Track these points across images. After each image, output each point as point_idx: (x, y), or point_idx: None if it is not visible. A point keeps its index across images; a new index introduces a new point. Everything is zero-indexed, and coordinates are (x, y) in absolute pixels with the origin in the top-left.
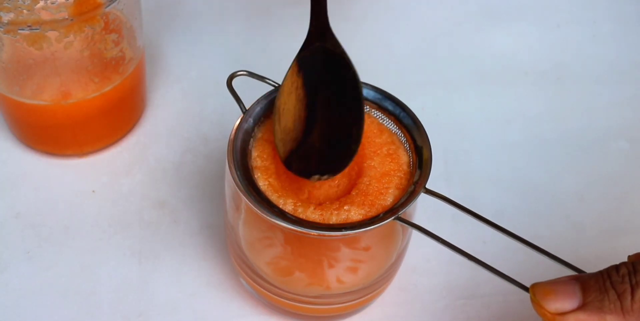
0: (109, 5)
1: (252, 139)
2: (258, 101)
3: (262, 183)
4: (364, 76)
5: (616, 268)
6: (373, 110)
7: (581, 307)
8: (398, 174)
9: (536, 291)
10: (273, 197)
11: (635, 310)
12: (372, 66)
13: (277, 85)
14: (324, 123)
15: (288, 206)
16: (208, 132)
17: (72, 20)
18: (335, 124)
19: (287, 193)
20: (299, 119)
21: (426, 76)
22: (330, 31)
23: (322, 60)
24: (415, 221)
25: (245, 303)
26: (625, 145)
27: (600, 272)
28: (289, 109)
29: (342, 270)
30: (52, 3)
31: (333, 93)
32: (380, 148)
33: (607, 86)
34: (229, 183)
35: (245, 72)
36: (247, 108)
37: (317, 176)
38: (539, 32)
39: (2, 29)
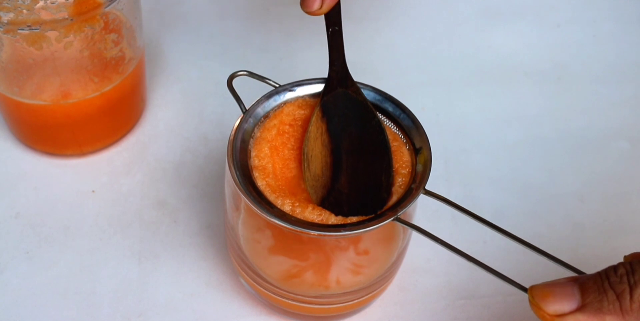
0: (109, 5)
1: (251, 139)
2: (258, 101)
3: (261, 182)
4: (364, 76)
5: (614, 268)
6: None
7: (580, 308)
8: (398, 175)
9: (535, 293)
10: (271, 197)
11: (634, 309)
12: (372, 66)
13: (277, 85)
14: (349, 169)
15: (286, 206)
16: (208, 132)
17: (71, 20)
18: (362, 171)
19: (285, 193)
20: (326, 165)
21: (426, 76)
22: (350, 77)
23: (345, 106)
24: (415, 221)
25: (245, 303)
26: (625, 145)
27: (599, 273)
28: (316, 156)
29: (342, 270)
30: (52, 3)
31: (357, 139)
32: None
33: (607, 86)
34: (229, 182)
35: (245, 72)
36: (247, 108)
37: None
38: (539, 32)
39: (1, 29)
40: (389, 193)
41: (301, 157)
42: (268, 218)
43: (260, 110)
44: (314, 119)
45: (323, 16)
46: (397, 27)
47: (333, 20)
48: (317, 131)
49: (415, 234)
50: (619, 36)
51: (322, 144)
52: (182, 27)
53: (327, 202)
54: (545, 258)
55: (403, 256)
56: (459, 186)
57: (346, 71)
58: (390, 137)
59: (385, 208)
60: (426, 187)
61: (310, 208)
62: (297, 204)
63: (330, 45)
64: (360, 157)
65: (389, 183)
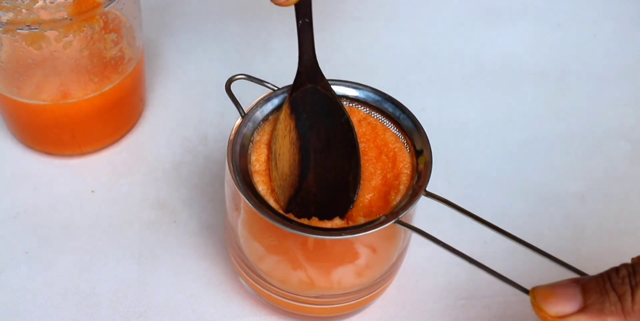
0: (108, 4)
1: (251, 144)
2: (257, 105)
3: (261, 187)
4: (364, 76)
5: (616, 269)
6: (373, 112)
7: (582, 309)
8: (399, 176)
9: (536, 294)
10: (271, 201)
11: (636, 311)
12: (372, 66)
13: (276, 88)
14: (317, 168)
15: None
16: (208, 132)
17: (71, 19)
18: (330, 170)
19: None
20: (294, 164)
21: (426, 76)
22: (320, 72)
23: (313, 102)
24: (416, 222)
25: (245, 303)
26: (626, 145)
27: (601, 274)
28: (284, 153)
29: (342, 271)
30: (51, 2)
31: (326, 137)
32: (381, 150)
33: (607, 86)
34: (229, 183)
35: (244, 76)
36: (245, 112)
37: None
38: (539, 32)
39: (1, 29)
40: (355, 193)
41: (269, 155)
42: (270, 221)
43: (259, 114)
44: (282, 115)
45: (293, 8)
46: (397, 27)
47: (303, 12)
48: (285, 128)
49: (415, 234)
50: (619, 36)
51: (290, 142)
52: (182, 27)
53: (294, 202)
54: (547, 258)
55: (403, 256)
56: (460, 187)
57: (316, 66)
58: (390, 138)
59: (388, 209)
60: (427, 186)
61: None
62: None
63: (300, 39)
64: (328, 156)
65: (356, 182)
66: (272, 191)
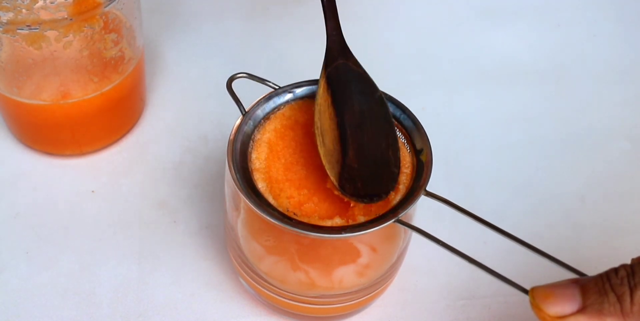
0: (108, 4)
1: (251, 142)
2: (257, 103)
3: (261, 184)
4: None
5: (615, 270)
6: None
7: (581, 310)
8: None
9: (536, 294)
10: (270, 198)
11: (634, 312)
12: (372, 66)
13: (277, 87)
14: (355, 144)
15: (285, 208)
16: (208, 132)
17: (71, 19)
18: (368, 146)
19: (285, 195)
20: (336, 139)
21: (426, 76)
22: (348, 49)
23: (347, 78)
24: (416, 221)
25: (245, 303)
26: (626, 145)
27: (600, 275)
28: (327, 129)
29: (342, 271)
30: (51, 2)
31: (360, 113)
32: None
33: (607, 86)
34: (229, 183)
35: (245, 75)
36: (246, 110)
37: (367, 201)
38: (539, 32)
39: (1, 29)
40: (399, 168)
41: (302, 154)
42: (270, 220)
43: (260, 112)
44: (320, 90)
45: None
46: (397, 27)
47: None
48: (325, 102)
49: (416, 234)
50: (619, 36)
51: (330, 118)
52: (182, 27)
53: (343, 178)
54: (546, 259)
55: (403, 256)
56: (459, 186)
57: (344, 42)
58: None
59: (388, 208)
60: (433, 193)
61: (308, 210)
62: (296, 206)
63: (326, 14)
64: (364, 132)
65: (397, 158)
66: (272, 188)
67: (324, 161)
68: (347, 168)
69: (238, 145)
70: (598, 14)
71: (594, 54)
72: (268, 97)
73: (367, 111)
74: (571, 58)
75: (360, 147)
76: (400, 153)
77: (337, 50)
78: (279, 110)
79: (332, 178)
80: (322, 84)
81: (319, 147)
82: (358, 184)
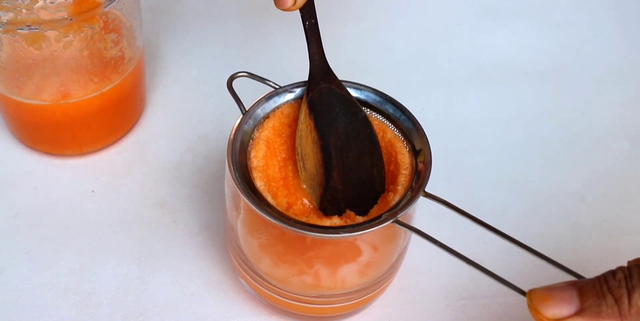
0: (108, 4)
1: (251, 140)
2: (258, 102)
3: (259, 183)
4: (364, 76)
5: (613, 272)
6: (373, 112)
7: (579, 312)
8: (398, 177)
9: (533, 296)
10: (269, 197)
11: (632, 314)
12: (372, 66)
13: (277, 86)
14: (340, 165)
15: (283, 206)
16: (208, 132)
17: (71, 19)
18: (353, 167)
19: (283, 194)
20: (319, 163)
21: (426, 76)
22: (332, 71)
23: (330, 101)
24: (415, 221)
25: (245, 303)
26: (626, 145)
27: (597, 277)
28: (309, 153)
29: (342, 270)
30: (52, 3)
31: (345, 135)
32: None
33: (607, 86)
34: (229, 182)
35: (245, 74)
36: (246, 109)
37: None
38: (539, 32)
39: (1, 29)
40: (383, 187)
41: (296, 157)
42: (268, 219)
43: (260, 111)
44: (302, 116)
45: (298, 11)
46: (397, 27)
47: (308, 14)
48: (306, 128)
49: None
50: (619, 36)
51: (313, 142)
52: (182, 27)
53: (325, 201)
54: (544, 261)
55: (403, 256)
56: (459, 186)
57: (327, 65)
58: (391, 140)
59: (386, 208)
60: (427, 187)
61: (305, 209)
62: (294, 205)
63: (309, 40)
64: (349, 153)
65: (382, 177)
66: (270, 187)
67: (306, 186)
68: (330, 190)
69: (237, 144)
70: (598, 14)
71: (594, 54)
72: (268, 97)
73: (351, 132)
74: (571, 58)
75: (345, 169)
76: (399, 155)
77: (320, 74)
78: (279, 109)
79: (315, 202)
80: (304, 109)
81: (299, 173)
82: (341, 205)
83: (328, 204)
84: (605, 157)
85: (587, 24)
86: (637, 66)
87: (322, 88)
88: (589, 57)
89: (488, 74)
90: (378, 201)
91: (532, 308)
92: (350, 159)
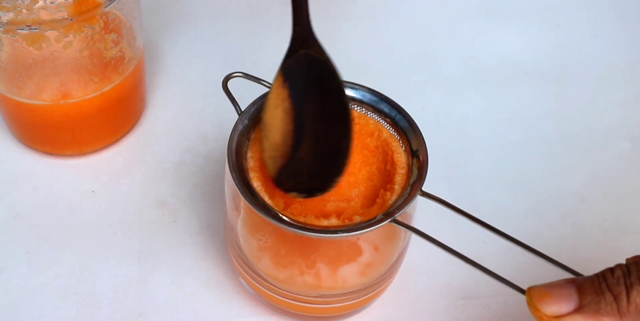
0: (109, 5)
1: (247, 141)
2: (254, 103)
3: (256, 183)
4: (363, 76)
5: (611, 270)
6: (369, 112)
7: (578, 310)
8: (394, 176)
9: (533, 294)
10: (266, 197)
11: (631, 311)
12: (372, 66)
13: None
14: (311, 136)
15: (279, 207)
16: (208, 132)
17: (71, 20)
18: (324, 138)
19: (280, 194)
20: (287, 133)
21: (426, 76)
22: (314, 37)
23: (307, 68)
24: (415, 221)
25: (245, 303)
26: (626, 145)
27: (596, 275)
28: (276, 124)
29: (342, 270)
30: (52, 3)
31: (320, 104)
32: (377, 149)
33: (607, 86)
34: (229, 182)
35: (240, 74)
36: (242, 110)
37: (304, 195)
38: (539, 32)
39: (1, 29)
40: (346, 159)
41: (260, 125)
42: (267, 219)
43: (256, 111)
44: (275, 84)
45: None
46: (397, 27)
47: None
48: (277, 98)
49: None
50: (619, 36)
51: (283, 111)
52: (182, 27)
53: (285, 172)
54: (542, 259)
55: (403, 256)
56: (459, 186)
57: (309, 31)
58: (386, 139)
59: (384, 208)
60: (426, 187)
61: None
62: (291, 205)
63: (294, 3)
64: (321, 123)
65: (347, 149)
66: (265, 183)
67: (265, 157)
68: (295, 161)
69: (234, 145)
70: (598, 14)
71: (594, 54)
72: (264, 96)
73: (325, 101)
74: (571, 58)
75: (316, 140)
76: (396, 154)
77: (300, 40)
78: None
79: (271, 172)
80: (278, 77)
81: (262, 141)
82: (299, 178)
83: (287, 175)
84: (605, 158)
85: (587, 24)
86: (637, 65)
87: (300, 55)
88: (589, 57)
89: (488, 74)
90: (339, 179)
91: (532, 305)
92: (322, 131)
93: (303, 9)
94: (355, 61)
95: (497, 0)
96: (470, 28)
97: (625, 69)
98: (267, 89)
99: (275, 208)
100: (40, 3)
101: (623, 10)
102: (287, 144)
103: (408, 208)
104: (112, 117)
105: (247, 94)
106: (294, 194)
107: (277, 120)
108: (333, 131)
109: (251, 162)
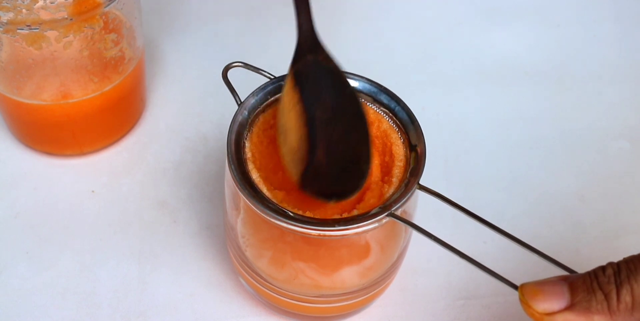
0: (108, 4)
1: (246, 132)
2: (253, 93)
3: (255, 175)
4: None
5: (602, 268)
6: (368, 103)
7: (569, 307)
8: (392, 169)
9: (525, 291)
10: (264, 189)
11: (621, 310)
12: (372, 65)
13: (272, 77)
14: (325, 141)
15: (277, 200)
16: (208, 132)
17: (71, 19)
18: (339, 142)
19: (279, 186)
20: (302, 137)
21: (426, 76)
22: (320, 43)
23: (316, 74)
24: (416, 220)
25: (245, 303)
26: (625, 145)
27: (588, 273)
28: (292, 128)
29: (342, 270)
30: (52, 3)
31: (331, 109)
32: (376, 139)
33: (607, 86)
34: (229, 182)
35: (240, 64)
36: (242, 100)
37: (335, 199)
38: (539, 32)
39: (1, 29)
40: (369, 164)
41: (277, 130)
42: (265, 217)
43: (255, 102)
44: (286, 88)
45: None
46: (397, 27)
47: None
48: (290, 101)
49: (415, 234)
50: (619, 36)
51: (296, 115)
52: (182, 27)
53: (307, 176)
54: (540, 257)
55: (403, 256)
56: (459, 186)
57: (315, 37)
58: (385, 130)
59: (381, 201)
60: (426, 186)
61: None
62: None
63: (297, 8)
64: (335, 128)
65: (368, 153)
66: (265, 178)
67: (285, 160)
68: (314, 165)
69: (233, 136)
70: (598, 14)
71: (594, 54)
72: (263, 87)
73: (338, 107)
74: (571, 58)
75: (330, 144)
76: (394, 146)
77: (307, 46)
78: (274, 99)
79: (294, 177)
80: (289, 80)
81: (279, 147)
82: (323, 182)
83: (309, 180)
84: (605, 157)
85: (587, 24)
86: (637, 65)
87: (309, 60)
88: (589, 57)
89: (488, 74)
90: (364, 182)
91: (524, 302)
92: (336, 134)
93: (307, 12)
94: (355, 61)
95: (497, 1)
96: (470, 28)
97: (625, 69)
98: (267, 80)
99: (273, 200)
100: (40, 3)
101: (623, 10)
102: (303, 149)
103: (407, 204)
104: (112, 117)
105: (245, 86)
106: (319, 198)
107: (292, 125)
108: (349, 137)
109: (249, 153)
